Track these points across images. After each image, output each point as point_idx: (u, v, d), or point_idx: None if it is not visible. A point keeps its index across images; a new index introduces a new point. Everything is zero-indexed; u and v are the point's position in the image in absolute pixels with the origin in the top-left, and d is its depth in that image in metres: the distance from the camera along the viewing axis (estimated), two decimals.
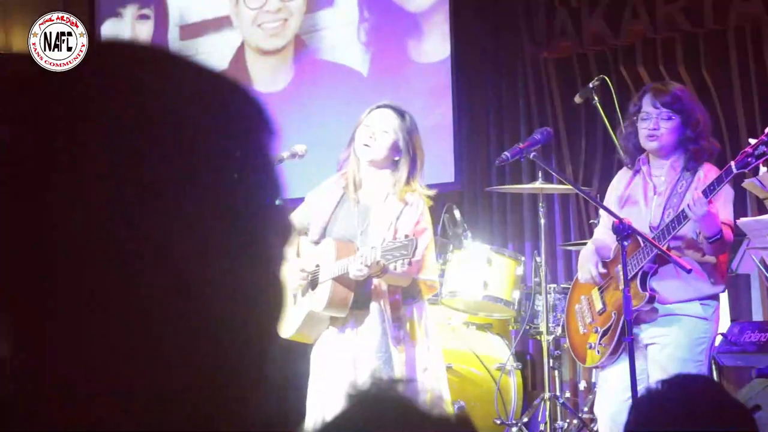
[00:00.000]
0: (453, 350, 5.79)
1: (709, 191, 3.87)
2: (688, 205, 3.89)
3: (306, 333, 4.27)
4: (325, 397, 4.16)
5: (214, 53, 8.35)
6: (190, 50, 8.45)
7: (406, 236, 3.86)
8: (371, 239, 4.11)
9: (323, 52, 7.88)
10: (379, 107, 4.26)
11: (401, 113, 4.24)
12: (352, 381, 4.10)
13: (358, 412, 1.44)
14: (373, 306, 4.11)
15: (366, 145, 4.19)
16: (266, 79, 8.10)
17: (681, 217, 3.95)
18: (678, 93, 4.18)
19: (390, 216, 4.13)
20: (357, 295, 4.13)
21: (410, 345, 4.13)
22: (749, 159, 3.80)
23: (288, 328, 4.30)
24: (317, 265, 4.20)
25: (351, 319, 4.17)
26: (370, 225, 4.16)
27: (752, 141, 3.82)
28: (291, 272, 4.25)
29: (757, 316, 6.01)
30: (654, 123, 4.12)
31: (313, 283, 4.21)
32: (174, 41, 8.57)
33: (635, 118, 4.19)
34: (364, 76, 7.62)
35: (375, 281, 4.10)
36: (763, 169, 3.84)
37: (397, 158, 4.18)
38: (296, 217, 4.39)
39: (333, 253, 4.12)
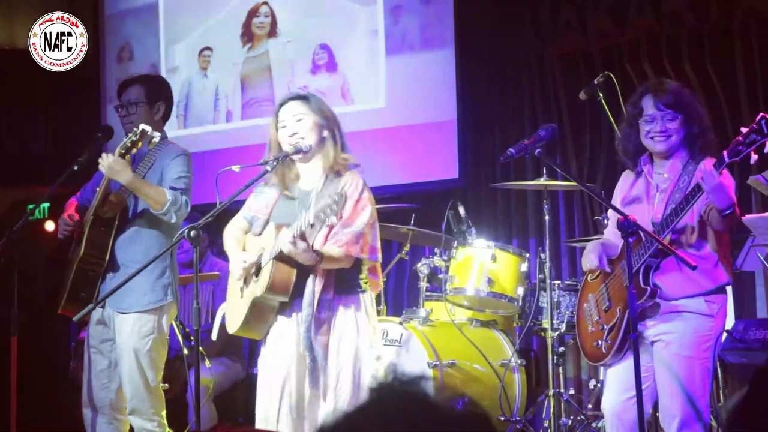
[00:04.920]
0: (457, 347, 5.79)
1: (719, 165, 3.87)
2: (702, 178, 3.88)
3: (253, 325, 4.22)
4: (273, 382, 4.16)
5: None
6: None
7: (337, 194, 3.88)
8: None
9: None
10: (281, 105, 4.32)
11: (303, 97, 4.32)
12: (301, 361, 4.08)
13: (379, 405, 1.45)
14: (308, 288, 4.10)
15: (293, 143, 4.24)
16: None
17: (694, 192, 3.91)
18: (678, 91, 4.17)
19: (331, 194, 4.09)
20: (298, 281, 4.10)
21: (334, 331, 4.11)
22: (740, 147, 3.80)
23: (234, 322, 4.27)
24: (260, 254, 4.21)
25: (294, 304, 4.15)
26: (312, 206, 4.12)
27: (744, 130, 3.82)
28: (234, 265, 4.24)
29: (762, 313, 6.00)
30: (660, 125, 4.11)
31: (257, 270, 4.20)
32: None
33: (637, 119, 4.18)
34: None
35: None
36: (754, 157, 3.82)
37: (324, 134, 4.25)
38: (239, 218, 4.40)
39: (274, 234, 4.12)
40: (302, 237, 3.98)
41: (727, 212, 3.91)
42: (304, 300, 4.10)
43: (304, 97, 4.33)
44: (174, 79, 8.22)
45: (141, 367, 4.79)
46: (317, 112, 4.26)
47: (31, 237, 7.51)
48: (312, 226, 3.94)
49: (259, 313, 4.20)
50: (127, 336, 4.79)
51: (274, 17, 7.86)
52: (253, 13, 7.96)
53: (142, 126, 4.62)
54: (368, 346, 4.17)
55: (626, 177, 4.35)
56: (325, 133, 4.25)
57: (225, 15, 8.10)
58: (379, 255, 4.23)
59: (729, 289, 4.25)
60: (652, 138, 4.13)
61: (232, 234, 4.39)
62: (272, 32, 7.87)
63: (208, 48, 8.18)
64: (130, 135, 4.66)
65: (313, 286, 4.09)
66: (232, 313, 4.31)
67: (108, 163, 4.68)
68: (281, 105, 4.32)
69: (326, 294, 4.11)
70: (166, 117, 5.07)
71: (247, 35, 7.98)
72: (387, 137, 7.28)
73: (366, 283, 4.22)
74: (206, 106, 8.22)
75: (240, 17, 8.00)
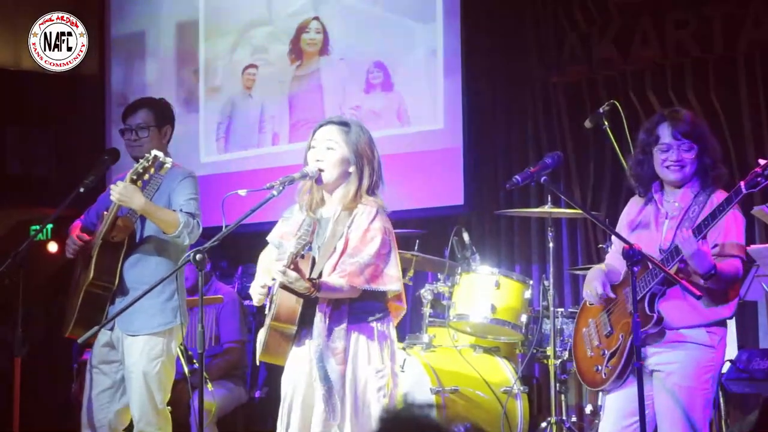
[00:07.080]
0: (460, 373, 5.79)
1: (704, 227, 3.88)
2: (681, 243, 3.89)
3: (272, 351, 4.16)
4: (292, 410, 4.11)
5: None
6: None
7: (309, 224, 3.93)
8: (326, 251, 4.09)
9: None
10: (322, 125, 4.24)
11: (344, 124, 4.20)
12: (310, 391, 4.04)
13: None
14: (316, 318, 4.05)
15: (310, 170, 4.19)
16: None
17: (675, 253, 3.94)
18: (694, 121, 4.17)
19: (342, 226, 4.10)
20: (306, 308, 4.05)
21: (349, 361, 4.04)
22: (759, 179, 3.80)
23: (259, 348, 4.22)
24: (273, 279, 4.15)
25: (305, 331, 4.09)
26: (327, 238, 4.13)
27: (762, 162, 3.83)
28: (252, 291, 4.23)
29: (765, 343, 6.00)
30: (676, 154, 4.10)
31: (271, 298, 4.17)
32: None
33: (652, 146, 4.16)
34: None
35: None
36: None
37: (350, 170, 4.15)
38: (269, 245, 4.35)
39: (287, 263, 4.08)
40: (295, 266, 3.91)
41: (707, 276, 3.91)
42: (313, 331, 4.05)
43: (344, 124, 4.20)
44: (214, 99, 7.98)
45: (150, 389, 4.79)
46: (351, 145, 4.14)
47: (33, 257, 7.51)
48: (302, 256, 3.89)
49: (276, 341, 4.14)
50: (136, 358, 4.79)
51: (326, 34, 7.45)
52: (302, 29, 7.55)
53: (154, 152, 4.60)
54: (378, 375, 4.07)
55: (634, 202, 4.34)
56: (351, 169, 4.15)
57: (271, 31, 7.70)
58: (398, 283, 4.11)
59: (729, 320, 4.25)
60: (667, 167, 4.12)
61: (261, 262, 4.32)
62: (324, 50, 7.46)
63: (252, 66, 7.77)
64: (141, 161, 4.63)
65: (321, 317, 4.04)
66: (259, 339, 4.24)
67: (118, 190, 4.67)
68: (320, 126, 4.23)
69: (338, 324, 4.04)
70: (169, 140, 5.09)
71: (296, 52, 7.56)
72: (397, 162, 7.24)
73: (386, 309, 4.14)
74: (250, 128, 7.76)
75: (287, 33, 7.59)
